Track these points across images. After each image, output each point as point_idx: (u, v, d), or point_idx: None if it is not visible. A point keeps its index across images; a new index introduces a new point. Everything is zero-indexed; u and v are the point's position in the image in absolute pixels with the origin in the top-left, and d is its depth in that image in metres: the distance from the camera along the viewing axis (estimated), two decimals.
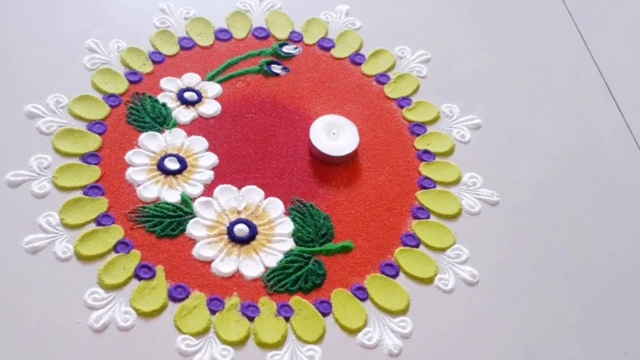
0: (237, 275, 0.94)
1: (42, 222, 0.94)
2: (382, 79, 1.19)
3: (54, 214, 0.95)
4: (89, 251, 0.92)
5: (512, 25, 1.32)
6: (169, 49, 1.16)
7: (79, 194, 0.98)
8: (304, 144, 1.08)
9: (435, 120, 1.15)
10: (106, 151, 1.03)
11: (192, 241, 0.96)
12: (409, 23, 1.28)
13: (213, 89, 1.13)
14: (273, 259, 0.96)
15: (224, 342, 0.88)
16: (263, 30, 1.22)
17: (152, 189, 1.00)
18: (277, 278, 0.94)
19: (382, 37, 1.24)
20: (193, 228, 0.97)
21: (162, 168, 1.02)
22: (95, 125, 1.05)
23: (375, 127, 1.13)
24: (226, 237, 0.97)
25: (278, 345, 0.88)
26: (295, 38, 1.22)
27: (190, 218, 0.98)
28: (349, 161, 1.08)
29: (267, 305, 0.92)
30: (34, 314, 0.87)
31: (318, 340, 0.90)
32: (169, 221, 0.97)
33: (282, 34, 1.22)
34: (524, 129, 1.16)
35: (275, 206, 1.01)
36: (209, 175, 1.03)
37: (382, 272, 0.97)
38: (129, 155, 1.03)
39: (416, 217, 1.03)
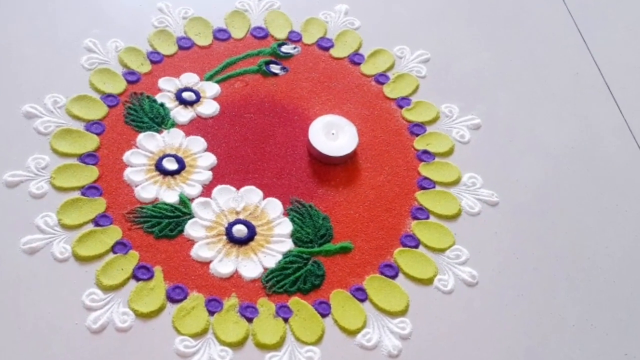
0: (235, 276, 0.94)
1: (39, 223, 0.94)
2: (381, 78, 1.18)
3: (52, 214, 0.95)
4: (86, 252, 0.92)
5: (512, 25, 1.32)
6: (167, 48, 1.16)
7: (76, 194, 0.97)
8: (302, 144, 1.08)
9: (434, 120, 1.14)
10: (104, 151, 1.02)
11: (191, 242, 0.96)
12: (408, 23, 1.28)
13: (211, 89, 1.12)
14: (272, 260, 0.96)
15: (222, 343, 0.88)
16: (262, 30, 1.21)
17: (150, 189, 0.99)
18: (275, 279, 0.94)
19: (381, 36, 1.24)
20: (191, 229, 0.97)
21: (160, 168, 1.02)
22: (93, 126, 1.05)
23: (375, 127, 1.12)
24: (225, 237, 0.97)
25: (277, 346, 0.88)
26: (294, 38, 1.22)
27: (189, 218, 0.98)
28: (348, 161, 1.07)
29: (265, 306, 0.91)
30: (32, 314, 0.86)
31: (317, 341, 0.89)
32: (167, 222, 0.97)
33: (281, 34, 1.22)
34: (523, 129, 1.16)
35: (274, 207, 1.01)
36: (207, 175, 1.03)
37: (382, 273, 0.96)
38: (127, 156, 1.02)
39: (415, 218, 1.03)
